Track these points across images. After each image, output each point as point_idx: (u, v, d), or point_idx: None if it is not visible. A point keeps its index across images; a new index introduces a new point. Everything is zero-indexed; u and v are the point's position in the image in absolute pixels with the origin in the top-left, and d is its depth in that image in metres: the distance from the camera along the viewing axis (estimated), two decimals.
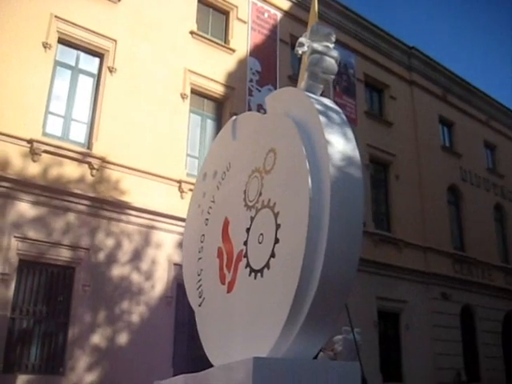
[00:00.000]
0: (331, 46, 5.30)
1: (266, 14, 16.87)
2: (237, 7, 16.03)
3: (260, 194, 4.48)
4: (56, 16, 12.10)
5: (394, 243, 18.09)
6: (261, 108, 14.50)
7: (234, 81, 15.09)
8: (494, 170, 24.13)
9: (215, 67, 14.78)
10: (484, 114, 24.38)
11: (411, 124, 20.71)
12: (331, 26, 16.83)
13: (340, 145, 4.04)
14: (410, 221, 18.90)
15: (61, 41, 12.34)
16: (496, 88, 56.02)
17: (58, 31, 12.16)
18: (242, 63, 15.59)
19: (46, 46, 11.79)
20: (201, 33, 14.92)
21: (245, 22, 16.10)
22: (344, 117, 4.43)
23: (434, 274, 18.82)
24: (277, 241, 3.98)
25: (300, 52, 5.28)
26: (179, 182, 12.94)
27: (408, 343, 17.18)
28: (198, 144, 14.14)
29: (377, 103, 20.40)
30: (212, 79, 14.61)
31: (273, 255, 3.97)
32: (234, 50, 15.47)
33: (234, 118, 5.93)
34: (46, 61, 11.79)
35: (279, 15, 17.20)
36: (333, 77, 5.16)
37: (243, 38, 15.93)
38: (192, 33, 14.64)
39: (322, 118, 4.19)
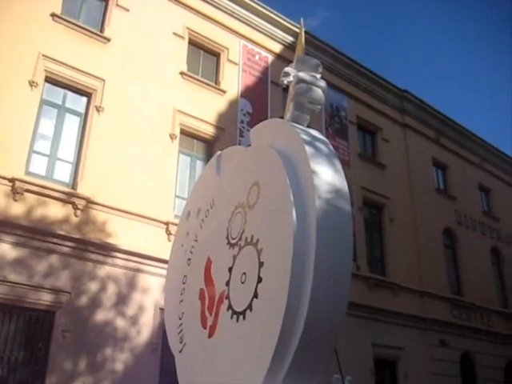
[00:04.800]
0: (318, 76, 5.10)
1: (257, 56, 16.94)
2: (228, 49, 16.10)
3: (243, 231, 4.24)
4: (44, 55, 12.04)
5: (389, 287, 17.66)
6: None
7: (224, 122, 14.99)
8: (489, 213, 23.95)
9: (205, 108, 14.69)
10: (478, 156, 24.42)
11: (405, 166, 20.62)
12: (323, 69, 16.88)
13: (327, 176, 3.82)
14: (406, 265, 18.53)
15: (48, 79, 12.24)
16: (489, 131, 56.75)
17: (45, 70, 12.07)
18: (232, 104, 15.55)
19: (32, 84, 11.68)
20: (191, 73, 14.91)
21: (236, 64, 16.14)
22: (331, 147, 4.26)
23: (432, 319, 18.33)
24: (260, 280, 3.72)
25: (285, 82, 5.07)
26: (167, 223, 12.62)
27: None
28: (187, 185, 13.88)
29: (370, 145, 20.35)
30: (202, 120, 14.51)
31: (256, 295, 3.70)
32: (224, 91, 15.43)
33: (219, 153, 5.76)
34: (32, 99, 11.66)
35: (270, 57, 17.29)
36: (319, 107, 4.95)
37: (234, 80, 15.94)
38: (182, 73, 14.62)
39: (308, 148, 4.00)
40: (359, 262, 16.78)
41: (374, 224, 18.76)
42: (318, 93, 4.92)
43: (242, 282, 3.94)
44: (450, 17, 53.14)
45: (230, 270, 4.22)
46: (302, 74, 5.00)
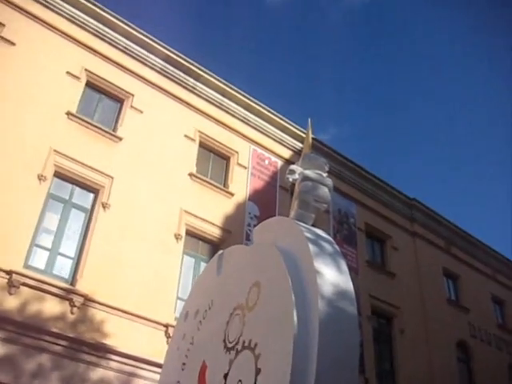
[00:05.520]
0: (325, 174, 4.99)
1: (266, 161, 17.16)
2: (238, 153, 16.35)
3: (241, 334, 3.98)
4: (55, 150, 12.26)
5: None
6: None
7: (231, 224, 14.89)
8: (504, 327, 23.01)
9: (213, 210, 14.68)
10: (490, 267, 23.91)
11: (415, 275, 20.16)
12: (331, 175, 17.03)
13: (331, 276, 3.63)
14: (418, 379, 17.53)
15: (57, 174, 12.35)
16: (501, 241, 56.25)
17: (55, 164, 12.22)
18: (240, 207, 15.54)
19: (41, 178, 11.77)
20: (200, 175, 15.05)
21: (245, 168, 16.32)
22: (337, 247, 4.12)
23: None
24: None
25: (291, 179, 4.98)
26: (166, 326, 12.13)
27: None
28: (190, 287, 13.46)
29: (379, 253, 20.04)
30: (208, 221, 14.43)
31: None
32: (232, 194, 15.48)
33: (221, 252, 5.57)
34: (39, 193, 11.70)
35: (280, 162, 17.51)
36: (326, 205, 4.81)
37: (243, 183, 16.05)
38: (191, 175, 14.75)
39: (312, 247, 3.85)
40: (367, 374, 15.93)
41: (383, 334, 18.03)
42: (324, 191, 4.80)
43: None
44: (455, 121, 54.67)
45: (226, 376, 3.93)
46: (307, 172, 4.90)
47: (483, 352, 20.83)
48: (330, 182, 4.93)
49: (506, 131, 51.40)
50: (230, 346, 4.09)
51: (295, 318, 3.33)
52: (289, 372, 3.08)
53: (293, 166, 5.05)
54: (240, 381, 3.65)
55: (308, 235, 4.04)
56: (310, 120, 6.03)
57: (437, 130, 53.55)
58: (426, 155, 53.94)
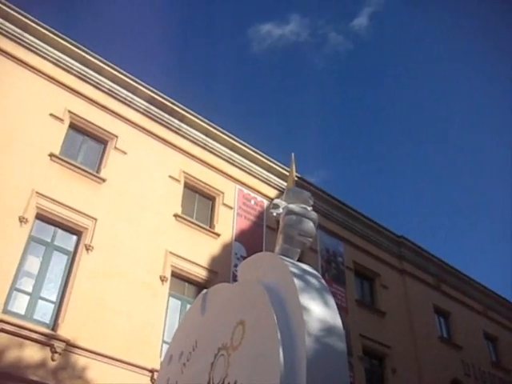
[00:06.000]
0: (309, 208, 4.88)
1: (252, 201, 17.07)
2: (223, 193, 16.26)
3: (226, 376, 3.82)
4: (37, 192, 12.06)
5: None
6: None
7: (217, 265, 14.67)
8: (498, 364, 22.64)
9: (198, 251, 14.47)
10: (480, 304, 23.70)
11: (405, 314, 19.90)
12: (319, 214, 16.94)
13: (318, 311, 3.54)
14: None
15: (38, 216, 12.13)
16: (491, 277, 56.04)
17: (37, 206, 12.01)
18: (226, 248, 15.36)
19: (22, 220, 11.55)
20: (185, 216, 14.89)
21: (231, 208, 16.20)
22: (323, 282, 4.00)
23: None
24: None
25: (275, 214, 4.88)
26: (152, 371, 11.74)
27: None
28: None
29: (368, 292, 19.82)
30: (194, 263, 14.20)
31: None
32: (218, 235, 15.31)
33: (205, 291, 5.41)
34: (20, 235, 11.45)
35: (266, 202, 17.42)
36: (311, 240, 4.70)
37: (229, 223, 15.91)
38: (176, 216, 14.59)
39: (298, 282, 3.75)
40: None
41: (375, 375, 17.63)
42: (309, 225, 4.70)
43: None
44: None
45: None
46: (292, 206, 4.80)
47: None
48: (314, 215, 4.83)
49: (495, 163, 52.13)
50: None
51: (281, 356, 3.20)
52: None
53: (276, 200, 4.95)
54: None
55: (293, 270, 3.94)
56: (293, 155, 5.99)
57: (424, 167, 54.02)
58: (412, 192, 54.20)
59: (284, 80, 51.75)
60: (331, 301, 3.66)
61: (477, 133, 51.57)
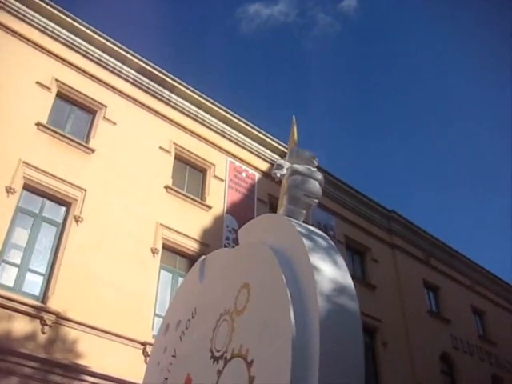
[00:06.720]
0: (314, 168, 4.70)
1: (243, 174, 16.89)
2: (214, 165, 16.07)
3: (230, 341, 3.66)
4: (24, 162, 11.76)
5: None
6: None
7: (209, 238, 14.52)
8: (485, 338, 22.95)
9: (190, 223, 14.30)
10: (469, 278, 23.92)
11: (395, 288, 20.02)
12: None
13: (329, 271, 3.34)
14: None
15: (26, 187, 11.84)
16: (480, 252, 56.67)
17: (24, 177, 11.71)
18: (218, 220, 15.20)
19: (9, 190, 11.26)
20: (176, 188, 14.69)
21: (222, 180, 16.03)
22: (332, 242, 3.80)
23: None
24: None
25: (278, 175, 4.67)
26: (144, 344, 11.63)
27: None
28: (168, 303, 12.98)
29: (359, 266, 19.88)
30: (186, 235, 14.03)
31: None
32: (210, 207, 15.14)
33: (203, 257, 5.23)
34: (7, 206, 11.17)
35: (257, 175, 17.27)
36: (316, 201, 4.54)
37: (220, 196, 15.75)
38: (167, 187, 14.39)
39: (307, 242, 3.55)
40: None
41: (366, 348, 17.58)
42: (315, 185, 4.54)
43: None
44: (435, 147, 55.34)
45: None
46: (296, 166, 4.62)
47: (466, 363, 20.70)
48: (320, 175, 4.67)
49: (485, 142, 52.36)
50: (217, 355, 3.76)
51: (292, 318, 3.03)
52: (289, 378, 2.80)
53: (280, 161, 4.76)
54: None
55: (301, 230, 3.75)
56: (294, 117, 5.77)
57: (415, 143, 54.10)
58: (403, 168, 54.32)
59: (275, 60, 51.45)
60: (341, 261, 3.50)
61: (468, 108, 51.70)
